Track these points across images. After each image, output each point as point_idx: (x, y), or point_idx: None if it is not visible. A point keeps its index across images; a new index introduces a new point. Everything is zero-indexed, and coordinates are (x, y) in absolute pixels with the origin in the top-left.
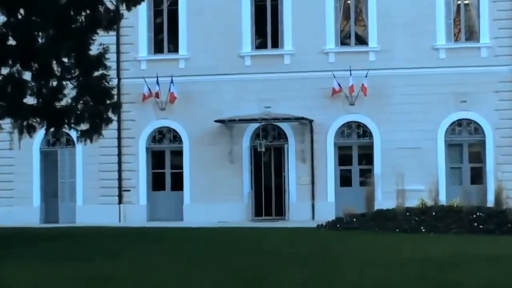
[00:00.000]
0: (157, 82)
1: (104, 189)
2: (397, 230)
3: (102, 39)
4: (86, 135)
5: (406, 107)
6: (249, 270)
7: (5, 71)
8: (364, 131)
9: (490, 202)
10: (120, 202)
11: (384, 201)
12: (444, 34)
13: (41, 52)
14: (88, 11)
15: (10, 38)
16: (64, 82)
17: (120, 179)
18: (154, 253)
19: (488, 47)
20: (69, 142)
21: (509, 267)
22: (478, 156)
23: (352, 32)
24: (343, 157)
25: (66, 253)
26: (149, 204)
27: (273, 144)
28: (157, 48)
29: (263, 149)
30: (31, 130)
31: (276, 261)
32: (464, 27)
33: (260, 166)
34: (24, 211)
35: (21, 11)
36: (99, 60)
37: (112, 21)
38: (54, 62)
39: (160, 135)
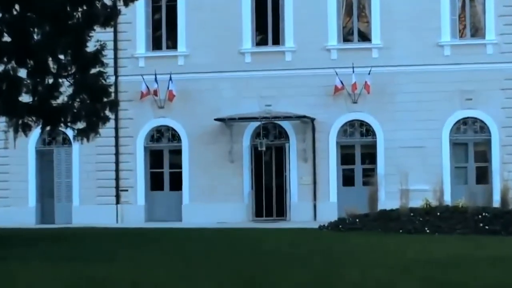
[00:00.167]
0: (155, 80)
1: (101, 189)
2: (401, 231)
3: (99, 36)
4: (82, 134)
5: (410, 105)
6: (249, 272)
7: None
8: (367, 130)
9: (496, 202)
10: (117, 202)
11: (387, 201)
12: (449, 30)
13: (37, 49)
14: (84, 7)
15: (5, 34)
16: (60, 80)
17: (117, 178)
18: (153, 254)
19: (494, 43)
20: (66, 141)
21: None
22: (483, 155)
23: (355, 28)
24: (346, 156)
25: (64, 254)
26: (147, 204)
27: (274, 143)
28: (155, 44)
29: (264, 148)
30: (26, 128)
31: (277, 262)
32: (470, 23)
33: (261, 165)
34: (20, 212)
35: (16, 6)
36: (96, 57)
37: (109, 17)
38: (50, 59)
39: (158, 134)
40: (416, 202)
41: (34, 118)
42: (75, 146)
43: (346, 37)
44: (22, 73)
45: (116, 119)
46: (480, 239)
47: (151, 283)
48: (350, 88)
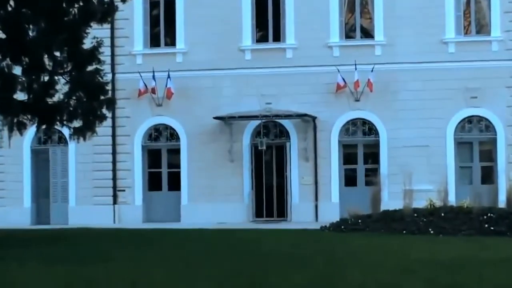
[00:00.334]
0: (153, 77)
1: (98, 189)
2: (404, 231)
3: (96, 32)
4: (79, 133)
5: (414, 103)
6: (249, 273)
7: None
8: (369, 129)
9: (502, 202)
10: (114, 202)
11: (390, 201)
12: (453, 27)
13: (32, 46)
14: (81, 3)
15: (0, 31)
16: (56, 77)
17: (114, 178)
18: (152, 255)
19: (499, 40)
20: (61, 140)
21: None
22: (489, 154)
23: (358, 25)
24: (348, 156)
25: (62, 255)
26: (145, 204)
27: (274, 142)
28: (153, 41)
29: (264, 147)
30: (21, 127)
31: (277, 264)
32: (475, 19)
33: (261, 165)
34: (14, 212)
35: (11, 2)
36: (93, 54)
37: (106, 13)
38: (46, 56)
39: (156, 132)
40: (420, 203)
41: (29, 117)
42: (71, 145)
43: (348, 33)
44: (17, 70)
45: (113, 118)
46: (485, 240)
47: (150, 284)
48: (352, 86)
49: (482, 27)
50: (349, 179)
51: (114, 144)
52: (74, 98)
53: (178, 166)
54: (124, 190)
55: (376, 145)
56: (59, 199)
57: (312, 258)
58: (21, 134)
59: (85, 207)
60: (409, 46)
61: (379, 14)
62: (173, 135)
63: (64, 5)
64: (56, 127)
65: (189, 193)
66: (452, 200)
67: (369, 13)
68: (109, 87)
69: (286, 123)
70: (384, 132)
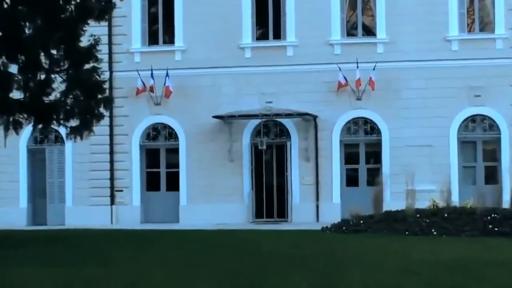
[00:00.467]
0: (152, 76)
1: (95, 189)
2: (406, 232)
3: (93, 30)
4: (76, 132)
5: (417, 102)
6: (249, 275)
7: None
8: (371, 128)
9: (506, 203)
10: (112, 203)
11: (393, 202)
12: (457, 24)
13: (28, 44)
14: (78, 0)
15: None
16: (52, 76)
17: (112, 178)
18: (151, 256)
19: (503, 38)
20: (58, 139)
21: None
22: (493, 154)
23: (359, 22)
24: (350, 155)
25: (60, 256)
26: (143, 205)
27: (274, 142)
28: (152, 39)
29: (264, 147)
30: (17, 126)
31: (278, 265)
32: (478, 17)
33: (261, 165)
34: (10, 213)
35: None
36: (90, 52)
37: (103, 10)
38: (42, 54)
39: (154, 132)
40: (423, 203)
41: (25, 116)
42: (68, 144)
43: (350, 31)
44: (13, 68)
45: (111, 117)
46: (489, 241)
47: (150, 284)
48: (354, 85)
49: (486, 25)
50: (351, 179)
51: (111, 144)
52: (71, 96)
53: (177, 166)
54: (121, 190)
55: (378, 144)
56: (55, 200)
57: (313, 259)
58: (17, 133)
59: (82, 208)
60: (412, 43)
61: (381, 11)
62: (172, 135)
63: (61, 2)
64: (52, 126)
65: (188, 193)
66: (455, 200)
67: (371, 10)
68: (106, 85)
69: (286, 122)
70: (386, 131)
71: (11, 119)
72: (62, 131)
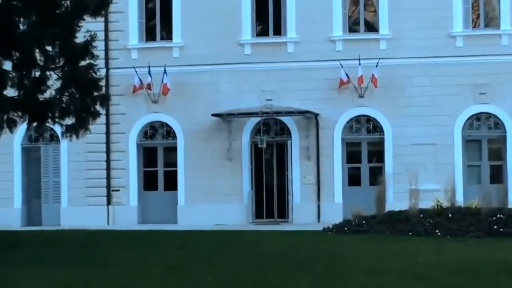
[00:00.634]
0: (149, 73)
1: (91, 189)
2: (410, 233)
3: (89, 26)
4: (71, 130)
5: (420, 99)
6: (249, 277)
7: None
8: (374, 126)
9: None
10: (108, 203)
11: (396, 202)
12: (461, 20)
13: (23, 40)
14: None
15: None
16: (47, 73)
17: (108, 178)
18: (149, 257)
19: (509, 34)
20: (53, 137)
21: None
22: (498, 153)
23: (361, 18)
24: (352, 154)
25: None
26: (140, 205)
27: (275, 140)
28: (149, 35)
29: (265, 146)
30: (11, 124)
31: (278, 267)
32: (483, 12)
33: (261, 164)
34: (4, 213)
35: None
36: (86, 49)
37: (100, 6)
38: (37, 50)
39: (152, 130)
40: (426, 203)
41: (20, 113)
42: (64, 143)
43: (352, 27)
44: (7, 65)
45: (107, 115)
46: (494, 242)
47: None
48: (356, 82)
49: (491, 20)
50: (353, 179)
51: (108, 142)
52: (66, 94)
53: (175, 165)
54: (118, 190)
55: (381, 143)
56: (50, 200)
57: (314, 261)
58: (11, 131)
59: (77, 208)
60: (415, 40)
61: (384, 7)
62: (170, 133)
63: None
64: (47, 124)
65: (186, 193)
66: (459, 200)
67: (374, 5)
68: (103, 82)
69: (287, 120)
70: (389, 129)
71: (5, 117)
72: (58, 129)
